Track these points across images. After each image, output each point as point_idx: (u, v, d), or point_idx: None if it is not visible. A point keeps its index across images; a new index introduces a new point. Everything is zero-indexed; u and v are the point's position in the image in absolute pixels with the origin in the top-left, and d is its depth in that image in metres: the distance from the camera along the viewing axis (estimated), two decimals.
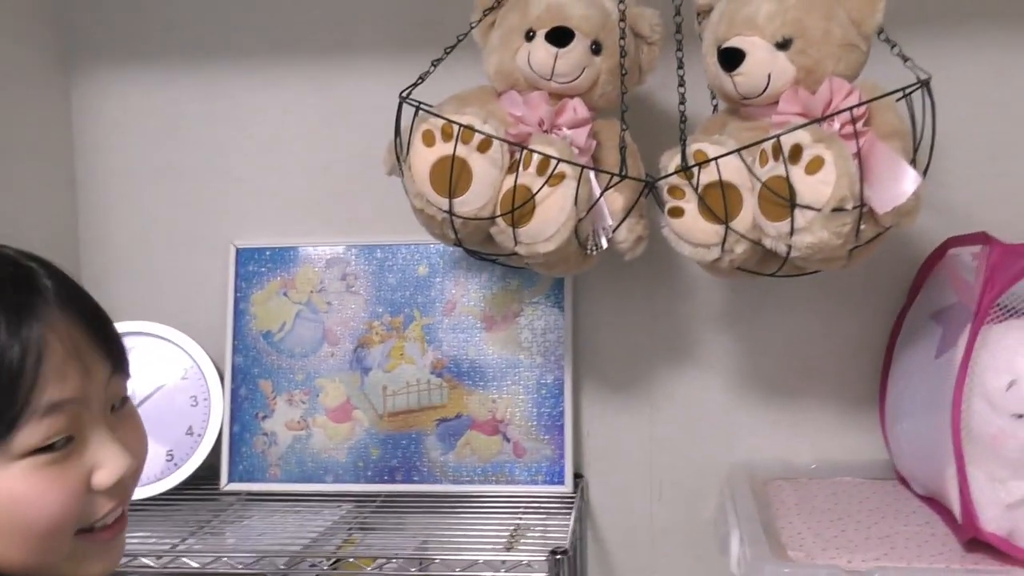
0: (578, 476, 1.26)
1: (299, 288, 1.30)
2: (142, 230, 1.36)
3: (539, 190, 0.91)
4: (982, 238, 1.01)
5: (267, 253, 1.32)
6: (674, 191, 0.92)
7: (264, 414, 1.28)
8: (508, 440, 1.24)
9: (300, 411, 1.28)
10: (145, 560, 1.04)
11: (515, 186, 0.92)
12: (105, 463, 0.63)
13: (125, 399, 0.69)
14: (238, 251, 1.32)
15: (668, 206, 0.92)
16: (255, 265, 1.31)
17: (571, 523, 1.11)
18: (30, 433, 0.59)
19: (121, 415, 0.68)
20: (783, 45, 0.92)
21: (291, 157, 1.33)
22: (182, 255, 1.35)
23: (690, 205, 0.91)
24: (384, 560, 1.03)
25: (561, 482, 1.23)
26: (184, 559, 1.04)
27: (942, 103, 0.91)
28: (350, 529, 1.13)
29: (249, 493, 1.26)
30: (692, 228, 0.91)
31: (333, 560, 1.04)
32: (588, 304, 1.27)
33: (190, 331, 1.29)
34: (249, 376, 1.29)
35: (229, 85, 1.33)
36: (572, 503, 1.19)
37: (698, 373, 1.26)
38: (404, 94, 1.00)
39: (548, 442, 1.24)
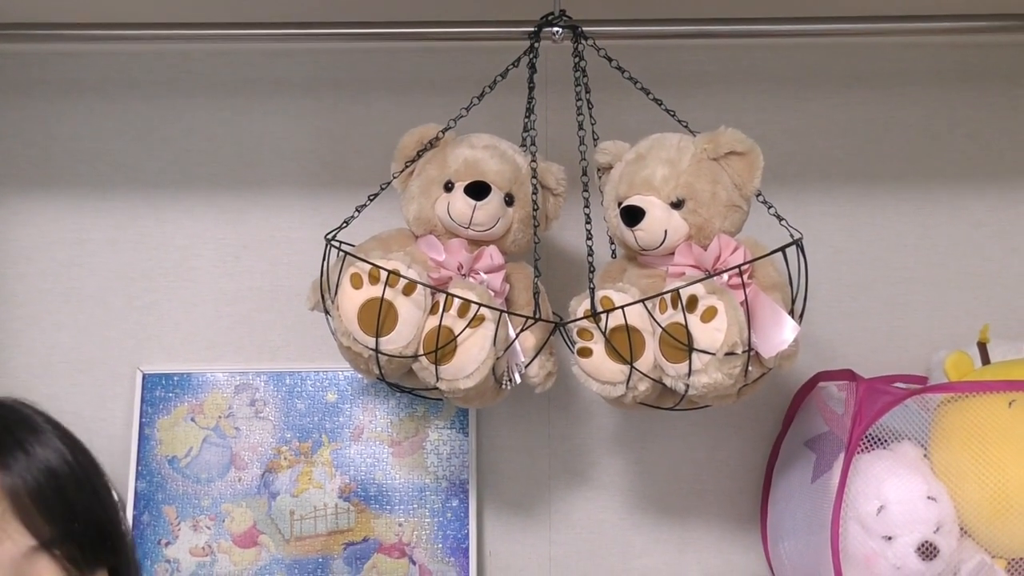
0: None
1: (207, 413, 1.32)
2: (46, 355, 1.35)
3: (461, 332, 0.98)
4: (848, 375, 1.14)
5: (175, 379, 1.33)
6: (583, 333, 1.01)
7: (167, 540, 1.28)
8: (414, 563, 1.28)
9: (205, 537, 1.29)
10: None
11: (439, 327, 0.99)
12: None
13: None
14: (144, 376, 1.33)
15: (577, 347, 1.01)
16: (162, 391, 1.33)
17: None
18: None
19: None
20: (677, 205, 1.03)
21: (200, 285, 1.36)
22: (86, 380, 1.35)
23: (598, 346, 1.00)
24: None
25: None
26: None
27: (809, 250, 1.04)
28: None
29: None
30: (600, 367, 1.00)
31: None
32: (491, 430, 1.34)
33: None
34: (152, 502, 1.30)
35: (137, 214, 1.36)
36: None
37: (593, 494, 1.34)
38: (329, 236, 1.07)
39: (453, 564, 1.28)
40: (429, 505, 1.30)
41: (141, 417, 1.32)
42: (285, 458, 1.31)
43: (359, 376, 1.32)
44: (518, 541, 1.34)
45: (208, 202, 1.36)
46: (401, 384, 1.10)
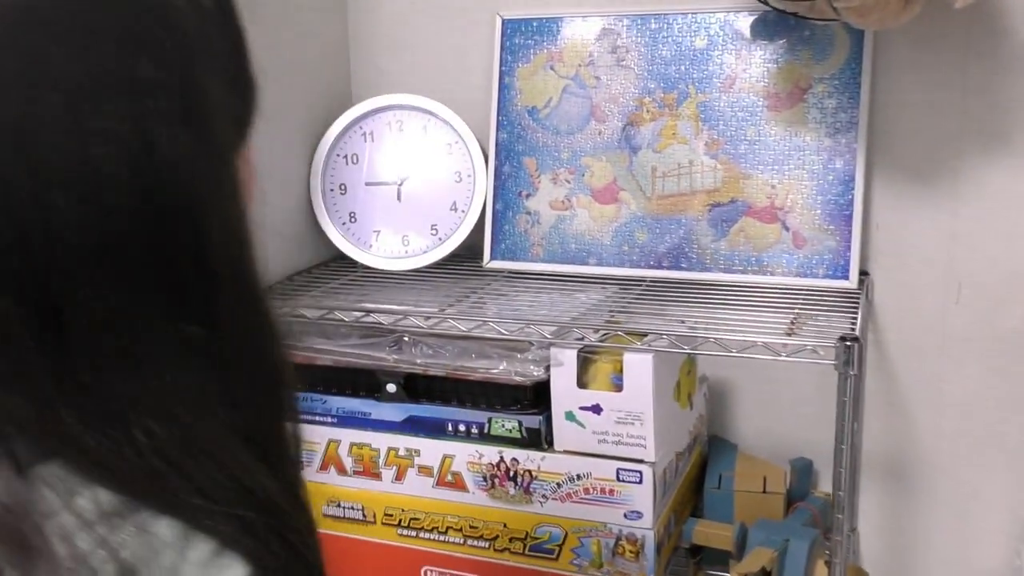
0: (863, 273, 1.14)
1: (566, 62, 1.23)
2: (409, 2, 1.32)
3: None
4: None
5: (534, 24, 1.25)
6: None
7: (527, 192, 1.25)
8: (787, 229, 1.14)
9: (564, 191, 1.23)
10: (415, 320, 1.05)
11: None
12: None
13: None
14: (504, 22, 1.25)
15: None
16: (521, 37, 1.25)
17: (859, 317, 1.01)
18: None
19: None
20: None
21: None
22: (447, 26, 1.31)
23: None
24: (654, 336, 0.99)
25: (845, 277, 1.12)
26: (451, 322, 1.04)
27: None
28: (612, 311, 1.09)
29: (511, 271, 1.24)
30: None
31: (602, 333, 1.00)
32: (888, 80, 1.12)
33: (454, 105, 1.25)
34: (513, 153, 1.25)
35: None
36: (856, 300, 1.08)
37: (1015, 162, 1.10)
38: None
39: (832, 233, 1.13)
40: (808, 166, 1.14)
41: (501, 66, 1.26)
42: (648, 110, 1.20)
43: (731, 19, 1.15)
44: (913, 213, 1.15)
45: None
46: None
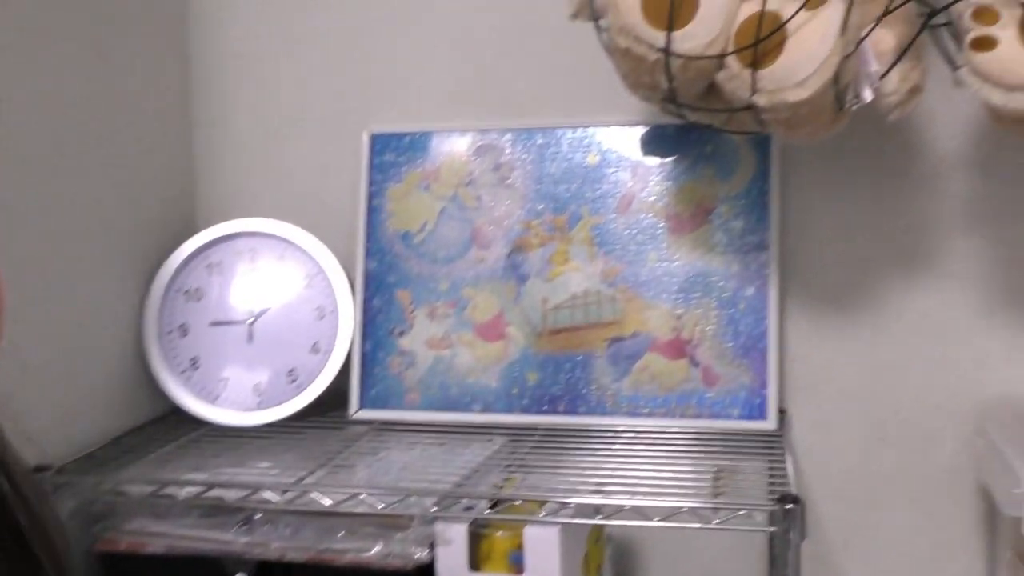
0: (781, 411, 1.02)
1: (444, 181, 1.09)
2: (263, 114, 1.16)
3: (793, 15, 0.67)
4: None
5: (407, 140, 1.11)
6: (983, 15, 0.67)
7: (401, 330, 1.08)
8: (696, 365, 1.02)
9: (444, 327, 1.07)
10: (268, 495, 0.86)
11: (761, 12, 0.68)
12: None
13: None
14: (373, 137, 1.11)
15: (972, 36, 0.67)
16: (392, 154, 1.11)
17: (788, 467, 0.88)
18: None
19: None
20: None
21: (435, 27, 1.11)
22: (307, 143, 1.15)
23: (1007, 32, 0.66)
24: (557, 505, 0.83)
25: (762, 417, 1.00)
26: (313, 495, 0.85)
27: None
28: (507, 467, 0.93)
29: (383, 422, 1.06)
30: (1011, 64, 0.66)
31: (494, 502, 0.84)
32: (800, 199, 1.03)
33: (316, 231, 1.09)
34: (384, 285, 1.09)
35: None
36: (778, 444, 0.96)
37: (938, 286, 1.01)
38: None
39: (746, 368, 1.01)
40: (717, 294, 1.02)
41: (370, 185, 1.11)
42: (536, 234, 1.06)
43: (626, 134, 1.05)
44: (832, 342, 1.04)
45: None
46: (697, 111, 0.80)
